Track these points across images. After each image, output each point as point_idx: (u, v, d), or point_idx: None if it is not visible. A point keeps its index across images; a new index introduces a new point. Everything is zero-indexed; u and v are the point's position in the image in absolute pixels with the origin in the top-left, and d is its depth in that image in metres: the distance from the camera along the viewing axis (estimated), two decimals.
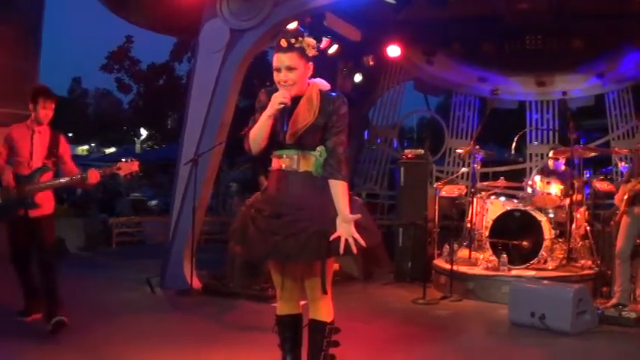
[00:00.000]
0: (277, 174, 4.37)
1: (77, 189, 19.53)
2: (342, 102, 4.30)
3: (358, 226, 4.15)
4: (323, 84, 4.39)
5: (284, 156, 4.32)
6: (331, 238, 4.11)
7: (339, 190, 4.20)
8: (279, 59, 4.22)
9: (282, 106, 4.14)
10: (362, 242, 4.11)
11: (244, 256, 4.44)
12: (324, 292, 4.29)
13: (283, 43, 4.21)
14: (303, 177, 4.27)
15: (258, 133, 4.24)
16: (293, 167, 4.29)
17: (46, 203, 6.92)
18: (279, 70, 4.23)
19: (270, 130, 4.23)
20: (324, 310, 4.41)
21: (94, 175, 6.79)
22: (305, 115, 4.21)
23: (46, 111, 6.96)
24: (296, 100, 4.23)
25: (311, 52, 4.27)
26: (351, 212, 4.17)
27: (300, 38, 4.23)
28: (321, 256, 4.19)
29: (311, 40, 4.28)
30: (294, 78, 4.21)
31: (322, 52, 12.32)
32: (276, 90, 4.24)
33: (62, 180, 6.97)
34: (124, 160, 6.96)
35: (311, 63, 4.31)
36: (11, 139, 7.01)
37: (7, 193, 6.85)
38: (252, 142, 4.28)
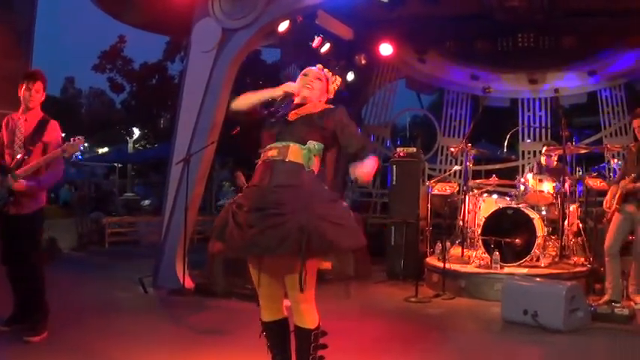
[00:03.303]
0: (263, 166, 4.37)
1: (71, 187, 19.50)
2: (341, 108, 4.51)
3: (340, 224, 4.13)
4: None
5: (274, 147, 4.36)
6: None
7: (369, 161, 4.29)
8: (310, 69, 4.71)
9: (285, 93, 4.55)
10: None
11: (223, 253, 4.44)
12: (302, 290, 4.17)
13: (319, 66, 4.75)
14: (289, 168, 4.27)
15: (251, 98, 4.56)
16: (280, 157, 4.29)
17: (24, 200, 6.23)
18: (306, 75, 4.68)
19: (270, 115, 4.51)
20: (307, 317, 4.33)
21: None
22: (309, 107, 4.51)
23: (25, 92, 6.36)
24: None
25: (332, 88, 4.74)
26: (337, 214, 4.18)
27: (333, 75, 4.77)
28: (300, 252, 4.05)
29: (339, 79, 4.79)
30: (316, 87, 4.63)
31: (314, 51, 12.31)
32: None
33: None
34: (69, 141, 6.18)
35: (327, 96, 4.74)
36: (3, 129, 6.52)
37: None
38: (241, 99, 4.57)
